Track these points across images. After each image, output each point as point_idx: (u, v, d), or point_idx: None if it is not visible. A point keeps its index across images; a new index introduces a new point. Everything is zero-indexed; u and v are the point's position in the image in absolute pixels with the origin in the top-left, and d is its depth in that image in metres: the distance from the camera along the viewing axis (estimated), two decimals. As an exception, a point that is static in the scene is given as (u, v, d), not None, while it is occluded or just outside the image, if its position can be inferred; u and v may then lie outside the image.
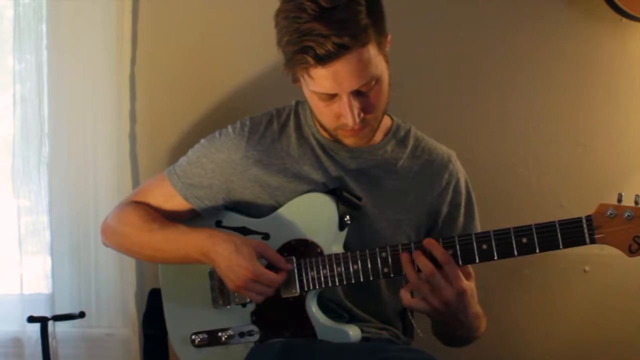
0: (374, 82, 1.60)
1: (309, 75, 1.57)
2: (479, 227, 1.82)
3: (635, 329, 2.27)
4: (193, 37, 2.32)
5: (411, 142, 1.81)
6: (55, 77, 2.24)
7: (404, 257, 1.58)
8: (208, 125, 2.20)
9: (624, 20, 2.23)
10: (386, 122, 1.80)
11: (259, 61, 2.26)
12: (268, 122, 1.80)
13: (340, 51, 1.52)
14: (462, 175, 1.83)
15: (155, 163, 2.27)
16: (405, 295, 1.58)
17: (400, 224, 1.75)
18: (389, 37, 1.64)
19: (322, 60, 1.53)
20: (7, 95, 2.28)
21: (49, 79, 2.24)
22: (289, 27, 1.55)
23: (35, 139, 2.23)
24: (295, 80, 1.63)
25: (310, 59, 1.53)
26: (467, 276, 1.59)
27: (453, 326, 1.63)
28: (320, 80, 1.57)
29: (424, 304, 1.56)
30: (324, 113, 1.66)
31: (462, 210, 1.80)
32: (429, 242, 1.57)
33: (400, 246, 1.61)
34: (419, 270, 1.56)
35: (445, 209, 1.79)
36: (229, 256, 1.65)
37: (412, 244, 1.61)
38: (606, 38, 2.27)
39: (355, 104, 1.60)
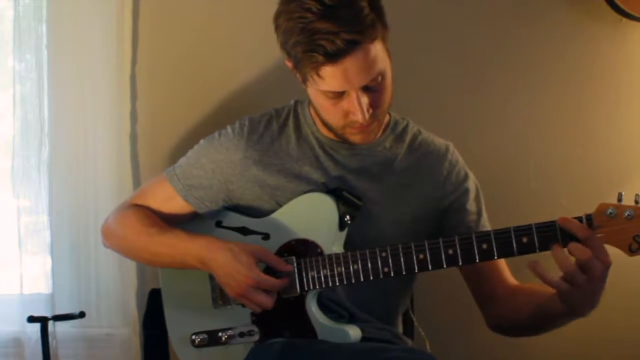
0: (380, 77, 1.60)
1: (318, 75, 1.57)
2: (485, 216, 1.81)
3: (636, 329, 2.27)
4: (193, 37, 2.32)
5: (409, 136, 1.81)
6: (55, 77, 2.24)
7: (556, 249, 1.48)
8: (209, 124, 2.20)
9: (624, 20, 2.23)
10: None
11: (259, 61, 2.26)
12: (267, 123, 1.80)
13: (349, 47, 1.52)
14: (462, 163, 1.83)
15: (156, 163, 2.27)
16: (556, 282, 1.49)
17: (403, 219, 1.74)
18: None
19: (332, 57, 1.53)
20: (7, 95, 2.28)
21: (49, 79, 2.24)
22: (294, 28, 1.55)
23: (35, 139, 2.23)
24: (305, 80, 1.63)
25: (320, 57, 1.53)
26: None
27: (579, 308, 1.55)
28: (329, 79, 1.57)
29: (567, 285, 1.48)
30: (332, 112, 1.66)
31: (472, 195, 1.79)
32: (564, 220, 1.49)
33: (400, 246, 1.61)
34: None
35: (451, 196, 1.78)
36: (227, 264, 1.65)
37: (413, 245, 1.61)
38: (606, 38, 2.27)
39: (364, 100, 1.60)
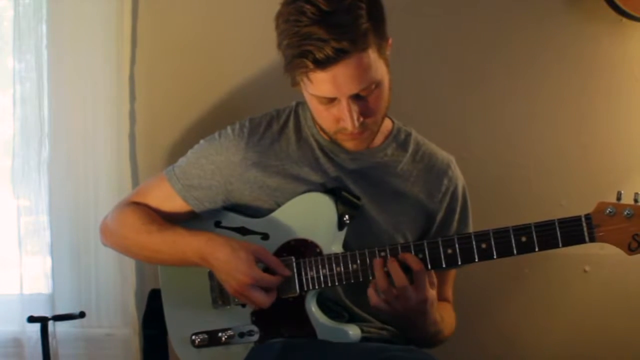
0: (373, 86, 1.59)
1: (309, 79, 1.57)
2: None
3: (636, 329, 2.27)
4: (192, 38, 2.32)
5: (412, 147, 1.81)
6: (55, 77, 2.24)
7: (377, 262, 1.61)
8: (208, 125, 2.19)
9: (624, 20, 2.24)
10: (387, 125, 1.80)
11: (259, 61, 2.26)
12: (268, 124, 1.80)
13: (339, 56, 1.51)
14: (460, 181, 1.83)
15: (155, 163, 2.27)
16: (372, 295, 1.61)
17: (398, 225, 1.75)
18: (390, 40, 1.64)
19: (321, 64, 1.52)
20: (7, 95, 2.27)
21: (49, 79, 2.23)
22: (288, 31, 1.54)
23: (35, 139, 2.22)
24: (295, 83, 1.63)
25: (309, 63, 1.53)
26: (431, 285, 1.62)
27: (411, 331, 1.70)
28: (319, 84, 1.57)
29: (388, 307, 1.60)
30: (324, 116, 1.65)
31: (457, 216, 1.81)
32: (404, 256, 1.60)
33: (399, 246, 1.62)
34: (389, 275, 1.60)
35: (441, 214, 1.80)
36: (227, 261, 1.65)
37: (412, 244, 1.61)
38: (606, 38, 2.27)
39: (355, 108, 1.59)
